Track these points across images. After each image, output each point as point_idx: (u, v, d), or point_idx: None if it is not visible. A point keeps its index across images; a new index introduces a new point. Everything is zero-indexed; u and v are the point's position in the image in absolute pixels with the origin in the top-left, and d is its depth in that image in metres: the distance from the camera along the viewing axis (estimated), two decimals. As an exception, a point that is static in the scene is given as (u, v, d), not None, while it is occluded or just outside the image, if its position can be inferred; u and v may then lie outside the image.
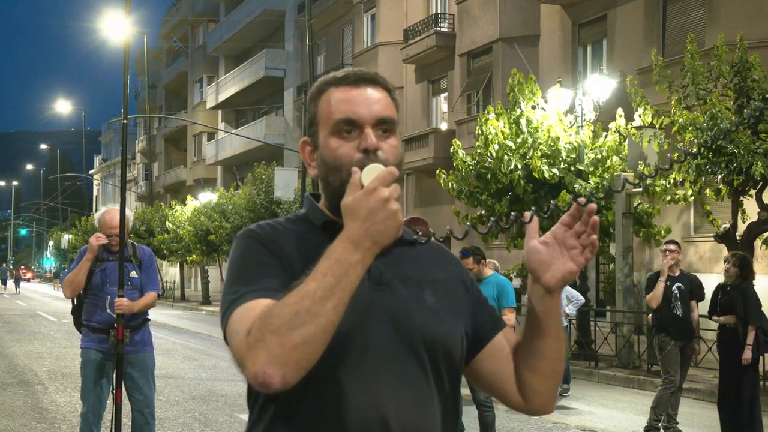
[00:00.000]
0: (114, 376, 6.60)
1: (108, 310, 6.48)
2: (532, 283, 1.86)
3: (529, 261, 1.81)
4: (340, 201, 1.75)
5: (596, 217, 1.73)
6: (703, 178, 14.02)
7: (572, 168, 17.26)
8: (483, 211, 18.10)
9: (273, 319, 1.59)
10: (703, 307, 14.95)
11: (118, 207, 6.76)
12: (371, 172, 1.69)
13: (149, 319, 6.86)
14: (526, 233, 1.79)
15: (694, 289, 9.97)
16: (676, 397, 9.94)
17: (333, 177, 1.84)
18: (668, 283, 9.73)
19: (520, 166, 17.13)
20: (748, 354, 9.11)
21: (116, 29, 34.93)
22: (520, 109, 17.69)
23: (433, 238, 1.98)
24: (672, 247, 9.94)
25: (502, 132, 17.56)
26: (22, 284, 69.17)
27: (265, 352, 1.58)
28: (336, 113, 1.85)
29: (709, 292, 9.97)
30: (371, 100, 1.85)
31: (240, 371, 1.66)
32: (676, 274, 9.81)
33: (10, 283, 61.39)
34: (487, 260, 13.87)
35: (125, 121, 7.25)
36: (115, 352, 6.41)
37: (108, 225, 6.64)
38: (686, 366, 10.04)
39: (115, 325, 6.38)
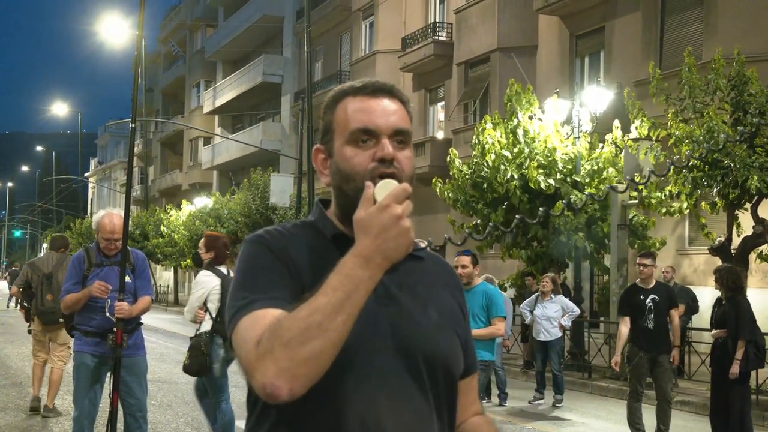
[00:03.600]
0: (107, 379, 6.58)
1: (107, 314, 6.45)
2: None
3: None
4: (352, 210, 1.74)
5: None
6: (699, 191, 14.06)
7: (568, 179, 17.29)
8: (479, 221, 18.12)
9: (283, 332, 1.60)
10: (697, 319, 15.00)
11: (117, 210, 6.73)
12: (385, 188, 1.69)
13: (142, 323, 6.85)
14: None
15: (672, 298, 10.04)
16: (665, 412, 9.94)
17: (347, 186, 1.84)
18: (642, 297, 9.75)
19: (516, 176, 17.17)
20: (735, 368, 9.12)
21: (114, 32, 34.96)
22: (517, 119, 17.73)
23: (428, 248, 1.98)
24: (646, 261, 9.97)
25: (499, 142, 17.59)
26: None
27: (274, 364, 1.59)
28: (353, 122, 1.85)
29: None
30: (389, 111, 1.86)
31: (247, 379, 1.67)
32: (650, 286, 9.82)
33: (3, 283, 61.47)
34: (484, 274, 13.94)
35: (134, 125, 7.24)
36: (113, 356, 6.38)
37: (107, 229, 6.60)
38: (666, 374, 9.99)
39: (114, 329, 6.35)
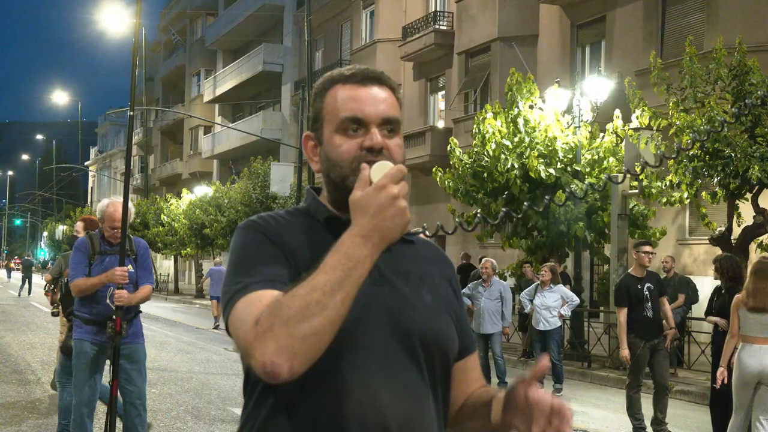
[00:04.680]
0: (108, 367, 6.58)
1: (108, 302, 6.46)
2: (502, 403, 1.83)
3: (511, 394, 1.78)
4: (341, 195, 1.79)
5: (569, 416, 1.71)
6: (700, 181, 14.05)
7: (569, 168, 17.28)
8: (479, 210, 18.12)
9: (282, 310, 1.61)
10: (697, 309, 15.00)
11: (121, 199, 6.71)
12: (380, 169, 1.71)
13: (141, 311, 6.86)
14: (529, 374, 1.76)
15: (662, 285, 10.17)
16: (663, 401, 9.97)
17: (335, 173, 1.87)
18: (639, 286, 9.76)
19: (516, 166, 17.15)
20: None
21: (115, 20, 34.87)
22: (518, 108, 17.70)
23: (422, 235, 2.00)
24: (650, 249, 10.01)
25: (500, 131, 17.57)
26: (16, 275, 69.66)
27: (273, 342, 1.60)
28: (342, 111, 1.86)
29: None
30: (378, 100, 1.88)
31: (246, 360, 1.67)
32: (644, 275, 9.84)
33: (3, 272, 62.00)
34: (485, 259, 13.96)
35: (132, 113, 7.22)
36: (112, 345, 6.39)
37: (111, 217, 6.58)
38: (665, 362, 10.05)
39: (114, 317, 6.36)
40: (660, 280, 10.35)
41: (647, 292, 9.72)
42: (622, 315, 9.75)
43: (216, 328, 22.81)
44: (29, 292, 38.54)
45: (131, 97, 7.23)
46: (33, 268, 45.23)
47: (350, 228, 1.67)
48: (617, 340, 15.31)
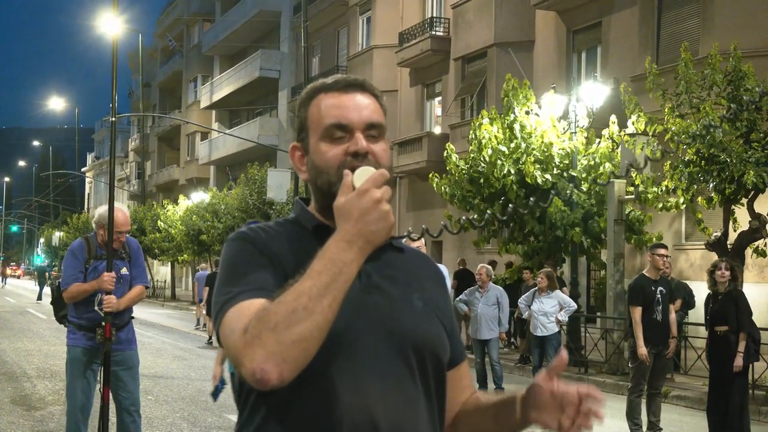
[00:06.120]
0: (100, 373, 6.57)
1: (96, 308, 6.44)
2: (520, 402, 1.85)
3: (533, 392, 1.81)
4: (329, 203, 1.79)
5: (602, 413, 1.75)
6: (695, 186, 14.06)
7: (565, 174, 17.30)
8: (475, 216, 18.13)
9: (270, 317, 1.62)
10: (694, 314, 15.01)
11: (118, 204, 6.70)
12: (363, 174, 1.73)
13: (133, 317, 6.84)
14: (548, 369, 1.80)
15: (674, 292, 10.10)
16: (656, 403, 9.97)
17: (322, 179, 1.88)
18: (653, 288, 9.74)
19: (513, 171, 17.17)
20: (739, 361, 9.11)
21: (112, 27, 34.98)
22: (514, 114, 17.73)
23: (407, 239, 2.00)
24: (667, 252, 9.99)
25: (496, 137, 17.60)
26: (11, 281, 69.84)
27: (262, 349, 1.61)
28: (326, 118, 1.88)
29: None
30: (361, 106, 1.89)
31: (237, 368, 1.68)
32: (657, 278, 9.82)
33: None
34: (480, 265, 13.97)
35: (113, 119, 7.24)
36: (103, 350, 6.37)
37: (119, 223, 6.55)
38: (664, 369, 10.04)
39: (103, 323, 6.35)
40: (671, 285, 10.30)
41: (659, 296, 9.69)
42: (637, 313, 9.64)
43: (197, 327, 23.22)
44: (41, 298, 38.60)
45: (112, 105, 7.26)
46: (46, 274, 45.18)
47: (335, 233, 1.69)
48: (614, 345, 15.39)
